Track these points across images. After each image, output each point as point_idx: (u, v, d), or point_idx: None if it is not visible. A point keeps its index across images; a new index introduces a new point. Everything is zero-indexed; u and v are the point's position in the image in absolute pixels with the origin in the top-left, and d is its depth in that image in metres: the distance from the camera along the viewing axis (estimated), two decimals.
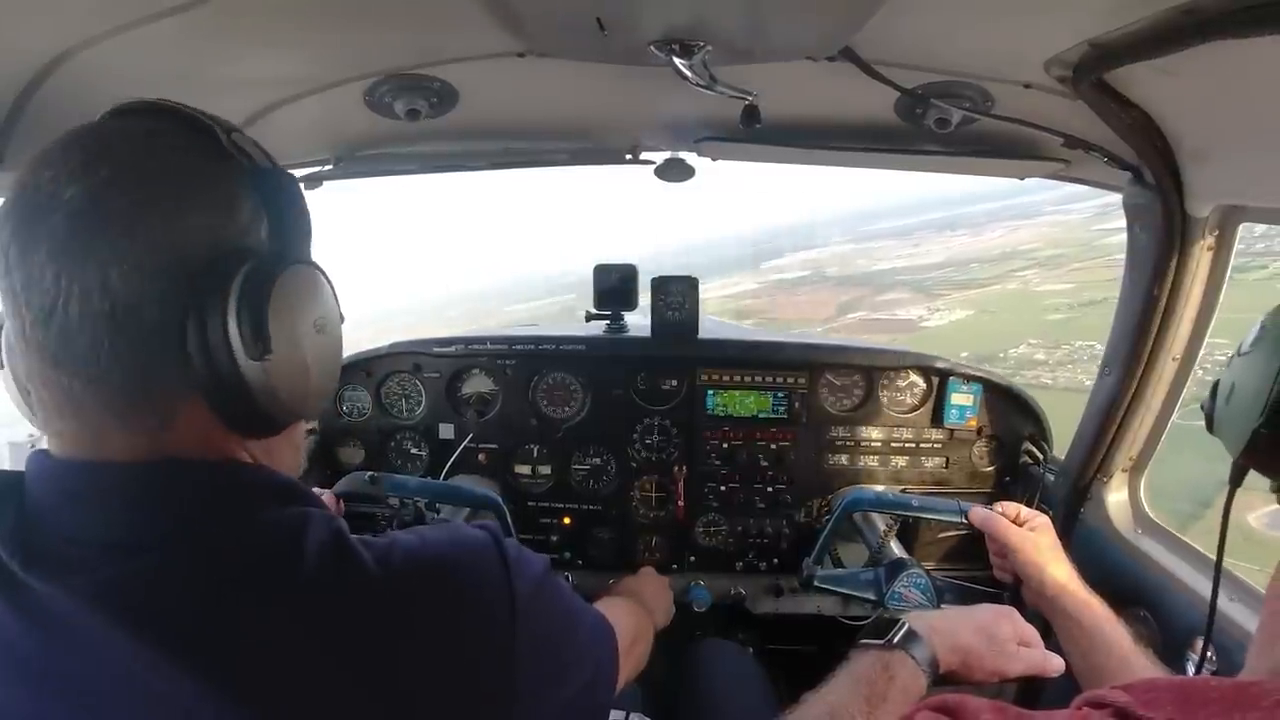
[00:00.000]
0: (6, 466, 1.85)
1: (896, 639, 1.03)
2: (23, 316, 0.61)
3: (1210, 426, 0.87)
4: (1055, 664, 1.12)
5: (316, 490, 1.46)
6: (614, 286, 2.09)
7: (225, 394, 0.65)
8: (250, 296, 0.64)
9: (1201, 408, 0.89)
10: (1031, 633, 1.13)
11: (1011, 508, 1.47)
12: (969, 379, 2.04)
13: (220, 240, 0.65)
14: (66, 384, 0.62)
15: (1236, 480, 0.88)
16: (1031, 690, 1.51)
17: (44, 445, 0.69)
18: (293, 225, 0.72)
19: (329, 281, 0.75)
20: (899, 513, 1.78)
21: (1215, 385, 0.86)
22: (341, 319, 0.77)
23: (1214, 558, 1.00)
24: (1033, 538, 1.38)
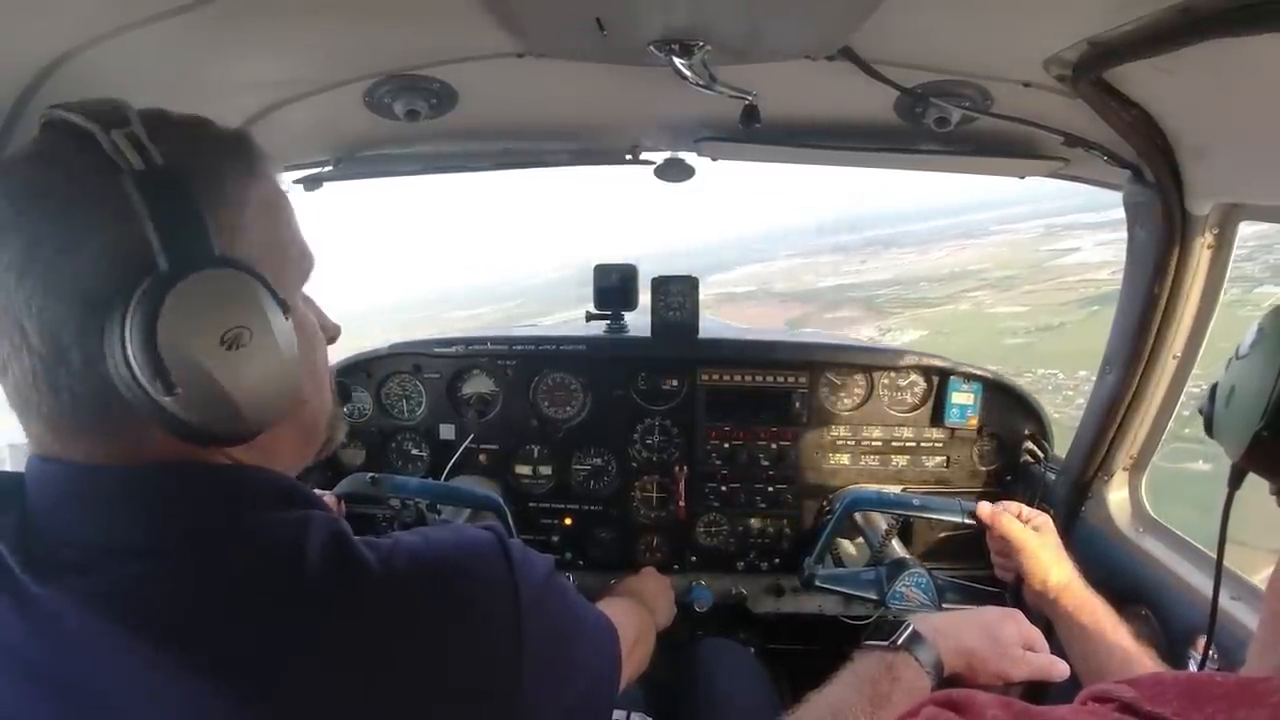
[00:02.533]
0: (7, 467, 1.85)
1: (901, 640, 1.03)
2: None
3: (1209, 429, 0.86)
4: (1060, 669, 1.12)
5: (318, 491, 1.46)
6: (614, 286, 2.09)
7: (162, 425, 0.61)
8: (139, 328, 0.58)
9: (1200, 411, 0.88)
10: (1036, 635, 1.13)
11: (1014, 507, 1.47)
12: (969, 378, 2.04)
13: (115, 262, 0.59)
14: (38, 431, 0.64)
15: (1235, 483, 0.87)
16: (1036, 694, 1.51)
17: None
18: (187, 228, 0.61)
19: (251, 280, 0.63)
20: (900, 512, 1.77)
21: (1213, 388, 0.85)
22: (286, 312, 0.66)
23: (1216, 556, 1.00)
24: (1036, 536, 1.39)
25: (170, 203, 0.61)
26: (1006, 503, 1.49)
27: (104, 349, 0.59)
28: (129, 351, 0.58)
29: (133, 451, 0.64)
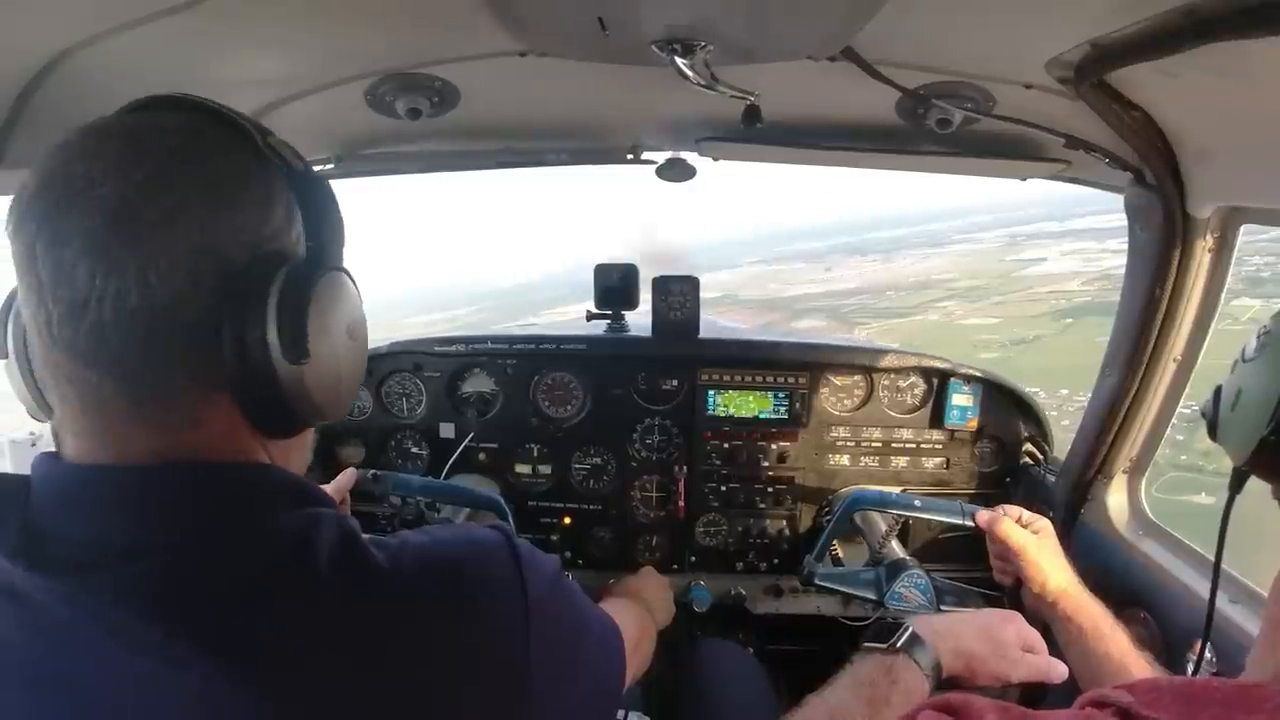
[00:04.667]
0: (6, 463, 1.85)
1: (900, 643, 1.03)
2: (49, 310, 0.60)
3: (1212, 433, 0.86)
4: (1059, 671, 1.12)
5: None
6: (614, 286, 2.09)
7: (258, 396, 0.65)
8: (290, 301, 0.64)
9: (1203, 414, 0.88)
10: (1035, 637, 1.13)
11: (1014, 511, 1.47)
12: (969, 380, 2.04)
13: (259, 241, 0.66)
14: (96, 382, 0.61)
15: (1236, 486, 0.87)
16: (1034, 695, 1.51)
17: (46, 445, 0.68)
18: (328, 229, 0.73)
19: (357, 287, 0.75)
20: (901, 513, 1.77)
21: (1218, 391, 0.85)
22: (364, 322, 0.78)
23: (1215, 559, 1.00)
24: (1036, 540, 1.39)
25: (321, 202, 0.73)
26: (1006, 507, 1.49)
27: (225, 312, 0.63)
28: (269, 316, 0.63)
29: (170, 441, 0.64)
